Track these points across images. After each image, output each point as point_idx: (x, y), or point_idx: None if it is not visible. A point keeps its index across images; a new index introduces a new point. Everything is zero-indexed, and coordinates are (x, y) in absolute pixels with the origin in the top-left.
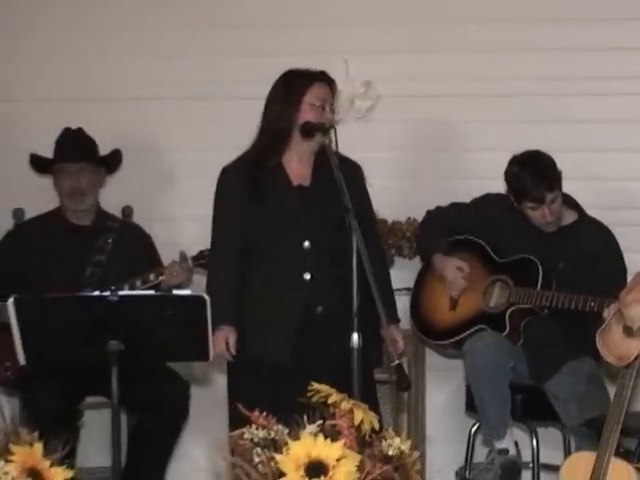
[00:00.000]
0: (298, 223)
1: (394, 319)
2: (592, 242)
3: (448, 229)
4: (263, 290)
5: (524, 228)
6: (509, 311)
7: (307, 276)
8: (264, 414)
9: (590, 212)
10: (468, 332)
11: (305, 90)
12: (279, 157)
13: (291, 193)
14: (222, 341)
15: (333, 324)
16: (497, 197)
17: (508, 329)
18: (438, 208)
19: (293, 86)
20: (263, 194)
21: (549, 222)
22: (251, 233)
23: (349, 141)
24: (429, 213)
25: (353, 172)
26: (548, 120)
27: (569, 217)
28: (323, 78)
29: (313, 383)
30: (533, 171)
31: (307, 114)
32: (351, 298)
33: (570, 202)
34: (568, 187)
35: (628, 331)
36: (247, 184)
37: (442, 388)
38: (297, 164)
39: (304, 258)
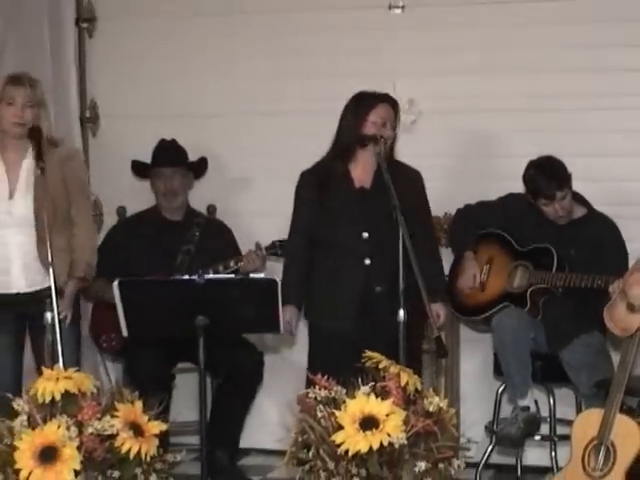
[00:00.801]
0: (358, 218)
1: (440, 298)
2: (599, 232)
3: (476, 224)
4: (331, 273)
5: (540, 221)
6: (529, 291)
7: (367, 261)
8: (326, 377)
9: (597, 207)
10: (495, 309)
11: (370, 110)
12: (346, 165)
13: (354, 194)
14: (286, 319)
15: (389, 301)
16: (518, 196)
17: (529, 306)
18: (467, 206)
19: (360, 106)
20: (331, 195)
21: (560, 216)
22: (321, 226)
23: (400, 150)
24: (459, 211)
25: (412, 177)
26: (565, 131)
27: (579, 211)
28: (387, 99)
29: (367, 351)
30: (545, 173)
31: (369, 130)
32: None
33: (580, 199)
34: (580, 187)
35: (631, 307)
36: (318, 186)
37: (473, 356)
38: (361, 170)
39: (364, 246)
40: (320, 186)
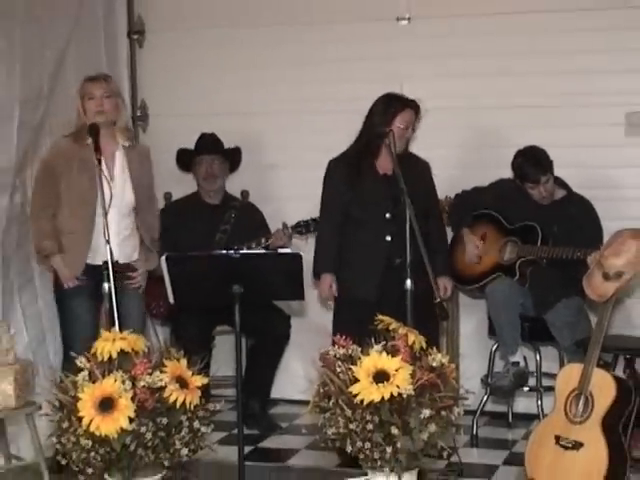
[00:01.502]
0: (381, 201)
1: (445, 272)
2: (577, 211)
3: (472, 206)
4: (357, 248)
5: (527, 203)
6: (518, 262)
7: (388, 238)
8: (344, 338)
9: (577, 190)
10: (489, 279)
11: (397, 114)
12: (373, 159)
13: (379, 179)
14: (327, 285)
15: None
16: (507, 181)
17: (518, 275)
18: (463, 191)
19: (389, 107)
20: (358, 180)
21: (544, 197)
22: (351, 206)
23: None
24: (457, 196)
25: (423, 167)
26: (551, 125)
27: (560, 193)
28: (413, 105)
29: (381, 315)
30: (531, 160)
31: (392, 130)
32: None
33: (560, 183)
34: (562, 173)
35: (606, 276)
36: (348, 173)
37: (471, 319)
38: (383, 159)
39: (386, 225)
40: (350, 172)
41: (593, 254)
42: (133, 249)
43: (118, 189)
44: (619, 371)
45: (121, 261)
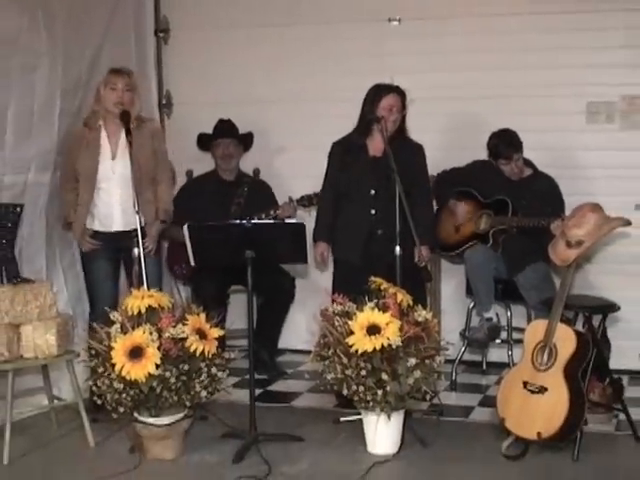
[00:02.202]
0: (368, 179)
1: (426, 241)
2: (542, 186)
3: (451, 183)
4: (347, 219)
5: (499, 180)
6: (492, 231)
7: (372, 211)
8: (342, 295)
9: (544, 169)
10: (466, 246)
11: (381, 97)
12: (364, 139)
13: (367, 161)
14: (319, 252)
15: (387, 241)
16: (480, 162)
17: (491, 242)
18: (443, 171)
19: (375, 94)
20: (351, 160)
21: (514, 173)
22: (342, 184)
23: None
24: (438, 175)
25: (414, 149)
26: (521, 112)
27: (527, 172)
28: (395, 90)
29: (373, 277)
30: (504, 140)
31: (379, 112)
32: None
33: (528, 162)
34: (532, 154)
35: (568, 244)
36: (343, 154)
37: (451, 281)
38: (375, 143)
39: (371, 201)
40: (344, 154)
41: (555, 222)
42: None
43: (119, 166)
44: (579, 326)
45: (122, 229)
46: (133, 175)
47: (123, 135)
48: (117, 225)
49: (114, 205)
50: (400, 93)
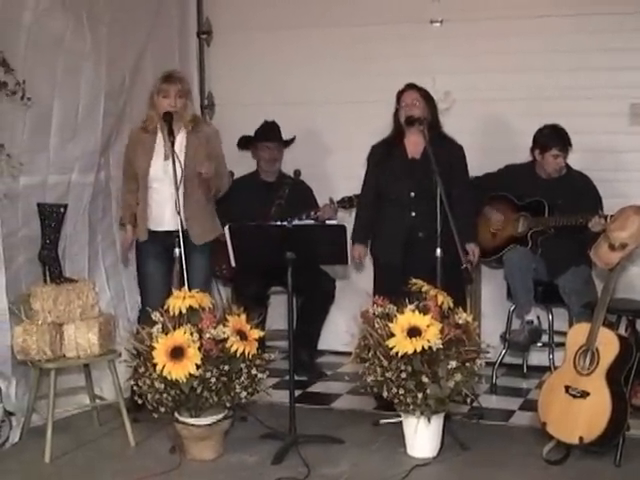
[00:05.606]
0: (407, 181)
1: (473, 239)
2: (577, 185)
3: (485, 189)
4: (387, 221)
5: (533, 181)
6: (530, 233)
7: (413, 213)
8: (382, 297)
9: (586, 171)
10: (505, 250)
11: (400, 97)
12: (402, 141)
13: (406, 163)
14: (356, 254)
15: (429, 243)
16: (513, 166)
17: (530, 244)
18: (477, 177)
19: (397, 96)
20: (391, 162)
21: (557, 169)
22: (382, 186)
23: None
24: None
25: (454, 149)
26: (556, 115)
27: (562, 171)
28: (411, 87)
29: (413, 279)
30: (558, 132)
31: (403, 111)
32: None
33: None
34: (572, 156)
35: (612, 247)
36: (382, 156)
37: (491, 283)
38: (413, 144)
39: (411, 202)
40: (383, 156)
41: (594, 219)
42: (187, 218)
43: (171, 167)
44: (622, 330)
45: (173, 228)
46: (174, 175)
47: (179, 137)
48: (168, 225)
49: (165, 205)
50: (416, 88)
